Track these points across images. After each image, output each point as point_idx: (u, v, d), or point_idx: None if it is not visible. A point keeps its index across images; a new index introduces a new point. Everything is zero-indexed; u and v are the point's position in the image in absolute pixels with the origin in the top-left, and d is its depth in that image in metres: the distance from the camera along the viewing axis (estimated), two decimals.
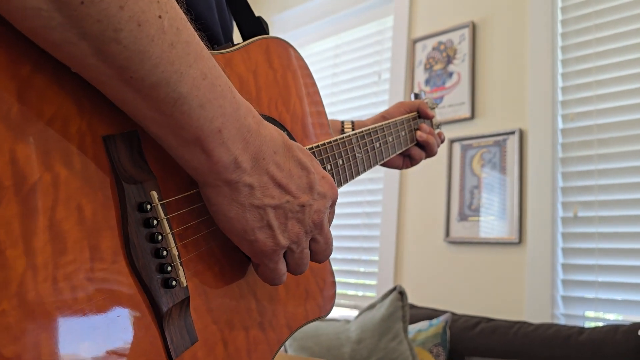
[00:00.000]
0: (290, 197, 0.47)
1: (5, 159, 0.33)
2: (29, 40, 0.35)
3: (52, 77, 0.37)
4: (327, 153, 0.68)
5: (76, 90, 0.38)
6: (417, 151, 0.99)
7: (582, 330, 1.60)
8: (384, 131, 0.85)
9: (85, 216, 0.38)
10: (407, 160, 1.01)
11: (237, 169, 0.43)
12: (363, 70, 2.75)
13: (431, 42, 2.44)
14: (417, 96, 1.05)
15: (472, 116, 2.21)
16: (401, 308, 1.71)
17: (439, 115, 2.31)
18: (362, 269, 2.50)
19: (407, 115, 0.97)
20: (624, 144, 1.82)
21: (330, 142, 0.68)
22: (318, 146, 0.66)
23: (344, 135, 0.72)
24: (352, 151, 0.74)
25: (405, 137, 0.94)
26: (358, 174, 0.75)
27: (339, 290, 2.56)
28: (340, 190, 2.66)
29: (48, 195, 0.35)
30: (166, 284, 0.43)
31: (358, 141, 0.76)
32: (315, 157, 0.65)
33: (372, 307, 1.82)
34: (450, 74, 2.33)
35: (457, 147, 2.22)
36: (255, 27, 0.71)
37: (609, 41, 1.92)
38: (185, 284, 0.44)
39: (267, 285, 0.56)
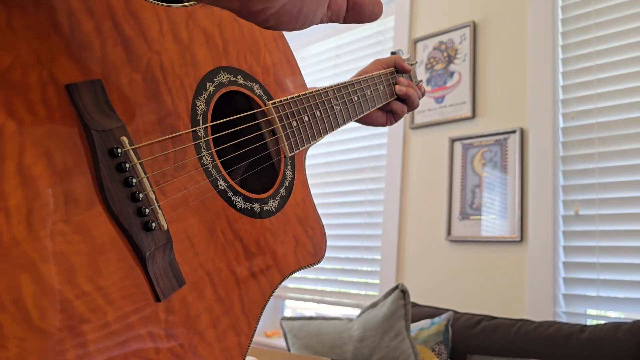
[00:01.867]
0: None
1: None
2: None
3: (6, 26, 0.36)
4: (304, 104, 0.67)
5: (32, 40, 0.38)
6: (398, 105, 0.97)
7: (583, 328, 1.60)
8: (361, 85, 0.84)
9: (55, 162, 0.37)
10: (390, 116, 0.99)
11: None
12: None
13: (432, 42, 2.45)
14: (394, 54, 1.04)
15: (473, 115, 2.21)
16: (403, 306, 1.72)
17: (440, 114, 2.31)
18: (364, 268, 2.51)
19: (384, 70, 0.95)
20: (624, 142, 1.83)
21: (305, 94, 0.67)
22: (293, 97, 0.65)
23: (320, 88, 0.72)
24: (330, 103, 0.73)
25: (385, 91, 0.92)
26: (337, 125, 0.75)
27: (341, 289, 2.57)
28: (341, 189, 2.67)
29: (13, 142, 0.35)
30: (146, 227, 0.42)
31: (335, 94, 0.75)
32: (292, 108, 0.64)
33: (374, 305, 1.83)
34: (451, 74, 2.34)
35: (458, 146, 2.23)
36: None
37: (609, 40, 1.92)
38: (166, 227, 0.44)
39: (254, 232, 0.56)
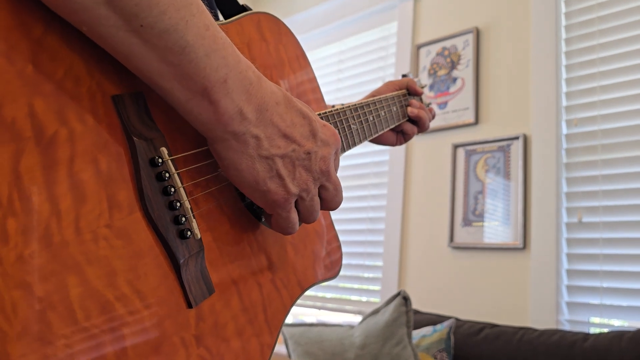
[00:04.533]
0: (296, 146, 0.49)
1: (24, 111, 0.35)
2: (38, 2, 0.36)
3: (61, 38, 0.38)
4: None
5: (85, 52, 0.40)
6: (409, 126, 1.02)
7: (586, 336, 1.59)
8: (375, 105, 0.87)
9: (101, 169, 0.39)
10: (400, 136, 1.04)
11: (243, 120, 0.44)
12: (367, 76, 2.76)
13: (435, 48, 2.45)
14: (405, 76, 1.08)
15: (476, 121, 2.21)
16: (405, 313, 1.71)
17: (443, 120, 2.31)
18: (365, 275, 2.50)
19: (397, 92, 0.99)
20: (628, 150, 1.82)
21: (325, 112, 0.69)
22: None
23: (338, 107, 0.74)
24: (347, 122, 0.75)
25: (397, 112, 0.96)
26: (354, 144, 0.77)
27: (342, 296, 2.56)
28: (344, 195, 2.66)
29: (65, 148, 0.37)
30: (182, 235, 0.44)
31: (352, 113, 0.77)
32: None
33: (376, 312, 1.82)
34: (454, 80, 2.33)
35: (461, 152, 2.22)
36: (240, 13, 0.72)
37: (612, 47, 1.92)
38: (199, 236, 0.46)
39: (277, 245, 0.58)
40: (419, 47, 2.51)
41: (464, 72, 2.30)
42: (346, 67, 2.88)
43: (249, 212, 0.55)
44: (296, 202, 0.52)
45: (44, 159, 0.35)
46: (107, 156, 0.40)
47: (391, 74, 2.64)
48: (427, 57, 2.47)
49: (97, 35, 0.38)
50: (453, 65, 2.35)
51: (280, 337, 2.62)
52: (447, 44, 2.40)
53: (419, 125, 1.03)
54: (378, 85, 2.69)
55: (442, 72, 2.39)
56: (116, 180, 0.40)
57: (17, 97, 0.34)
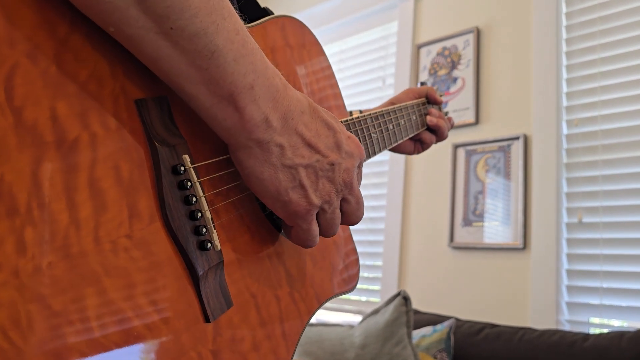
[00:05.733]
0: (320, 156, 0.48)
1: (46, 115, 0.34)
2: (64, 1, 0.35)
3: (86, 39, 0.37)
4: None
5: (109, 54, 0.39)
6: (428, 135, 1.01)
7: (586, 336, 1.59)
8: (396, 114, 0.86)
9: (122, 176, 0.38)
10: (418, 145, 1.03)
11: (268, 128, 0.43)
12: (367, 76, 2.76)
13: (435, 48, 2.44)
14: (423, 84, 1.07)
15: (477, 121, 2.21)
16: (405, 313, 1.71)
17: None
18: (365, 274, 2.50)
19: (416, 101, 0.98)
20: (628, 150, 1.82)
21: (346, 120, 0.68)
22: None
23: (359, 115, 0.72)
24: (368, 131, 0.74)
25: (417, 121, 0.95)
26: (374, 153, 0.76)
27: (342, 296, 2.55)
28: None
29: (87, 154, 0.36)
30: (201, 246, 0.43)
31: (372, 122, 0.76)
32: None
33: (376, 312, 1.82)
34: (455, 80, 2.33)
35: (461, 152, 2.22)
36: (262, 16, 0.72)
37: (613, 47, 1.92)
38: (219, 248, 0.45)
39: (296, 256, 0.57)
40: (419, 46, 2.50)
41: (465, 72, 2.30)
42: (346, 66, 2.88)
43: (270, 223, 0.54)
44: (318, 215, 0.50)
45: (64, 164, 0.34)
46: (128, 162, 0.39)
47: (391, 74, 2.63)
48: (427, 56, 2.47)
49: (124, 37, 0.37)
50: (453, 65, 2.35)
51: None
52: (448, 43, 2.40)
53: (438, 134, 1.02)
54: (378, 85, 2.69)
55: (442, 72, 2.39)
56: (137, 188, 0.39)
57: (40, 99, 0.33)
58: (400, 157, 2.44)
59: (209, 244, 0.43)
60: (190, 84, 0.40)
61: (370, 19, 2.81)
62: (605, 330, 1.66)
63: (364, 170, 2.63)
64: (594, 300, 1.78)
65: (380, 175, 2.56)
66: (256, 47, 0.43)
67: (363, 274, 2.50)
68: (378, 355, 1.66)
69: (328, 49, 3.01)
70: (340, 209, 0.52)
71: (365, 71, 2.77)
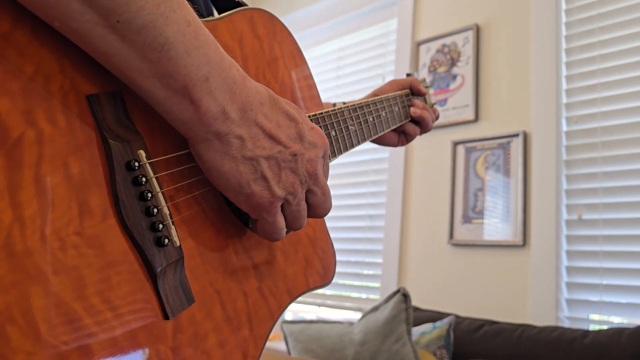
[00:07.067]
0: (282, 147, 0.47)
1: None
2: None
3: (31, 34, 0.36)
4: (319, 123, 0.66)
5: (56, 49, 0.38)
6: (411, 127, 0.99)
7: (586, 333, 1.59)
8: (376, 106, 0.85)
9: (72, 173, 0.37)
10: (402, 136, 1.01)
11: (227, 120, 0.43)
12: (367, 73, 2.75)
13: (435, 45, 2.44)
14: (409, 76, 1.05)
15: (476, 118, 2.20)
16: (405, 310, 1.71)
17: (443, 117, 2.31)
18: (365, 272, 2.50)
19: (399, 92, 0.96)
20: (628, 147, 1.82)
21: (322, 113, 0.67)
22: (309, 117, 0.64)
23: (336, 107, 0.71)
24: (345, 123, 0.72)
25: (399, 113, 0.93)
26: (352, 146, 0.75)
27: (342, 293, 2.56)
28: (343, 192, 2.66)
29: (32, 151, 0.35)
30: (159, 243, 0.42)
31: (350, 114, 0.75)
32: None
33: (375, 309, 1.82)
34: (454, 77, 2.33)
35: (461, 149, 2.22)
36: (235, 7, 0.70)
37: (613, 44, 1.92)
38: (178, 243, 0.44)
39: (265, 251, 0.56)
40: (418, 44, 2.50)
41: (464, 69, 2.30)
42: (346, 64, 2.87)
43: (236, 218, 0.52)
44: (283, 207, 0.50)
45: (7, 161, 0.33)
46: (79, 159, 0.38)
47: (391, 71, 2.63)
48: (427, 54, 2.46)
49: (71, 32, 0.36)
50: (453, 62, 2.35)
51: (280, 334, 2.63)
52: (447, 40, 2.39)
53: (422, 126, 1.00)
54: (378, 82, 2.68)
55: (442, 69, 2.39)
56: (89, 185, 0.38)
57: None
58: (400, 155, 2.44)
59: (167, 240, 0.42)
60: (142, 78, 0.39)
61: (369, 16, 2.81)
62: (605, 327, 1.66)
63: (365, 167, 2.63)
64: (594, 297, 1.78)
65: (379, 173, 2.56)
66: (210, 38, 0.42)
67: (363, 271, 2.50)
68: (378, 352, 1.66)
69: (327, 47, 3.01)
70: (307, 201, 0.52)
71: (365, 68, 2.77)
